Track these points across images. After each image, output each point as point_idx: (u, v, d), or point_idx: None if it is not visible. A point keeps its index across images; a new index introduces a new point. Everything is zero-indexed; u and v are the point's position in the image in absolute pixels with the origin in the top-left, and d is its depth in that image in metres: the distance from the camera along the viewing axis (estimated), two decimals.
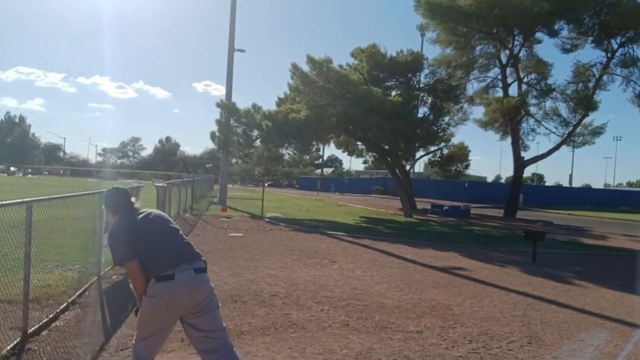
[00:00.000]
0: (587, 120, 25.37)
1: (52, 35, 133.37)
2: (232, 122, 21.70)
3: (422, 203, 27.94)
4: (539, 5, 20.83)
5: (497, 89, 27.59)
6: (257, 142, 22.33)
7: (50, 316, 4.67)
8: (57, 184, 36.51)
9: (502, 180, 74.50)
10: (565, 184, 69.40)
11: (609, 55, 24.11)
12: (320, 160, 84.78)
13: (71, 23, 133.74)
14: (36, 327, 4.32)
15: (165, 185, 12.05)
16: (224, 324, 3.12)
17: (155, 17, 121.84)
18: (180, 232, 3.15)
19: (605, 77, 24.60)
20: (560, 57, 54.25)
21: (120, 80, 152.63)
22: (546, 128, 26.61)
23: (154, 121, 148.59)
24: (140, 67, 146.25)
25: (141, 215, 3.07)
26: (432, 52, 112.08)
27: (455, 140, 33.53)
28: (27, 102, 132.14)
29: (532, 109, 26.67)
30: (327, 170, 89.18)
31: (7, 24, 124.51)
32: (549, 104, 26.33)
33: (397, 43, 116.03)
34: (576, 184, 69.47)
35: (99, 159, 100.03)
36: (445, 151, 32.83)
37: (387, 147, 23.09)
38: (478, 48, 26.42)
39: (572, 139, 26.44)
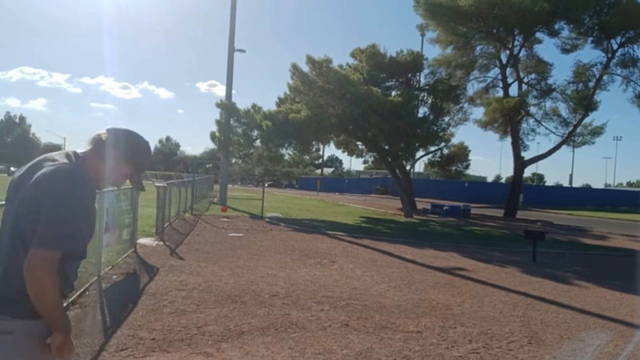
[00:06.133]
0: (587, 120, 25.47)
1: (57, 36, 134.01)
2: (232, 122, 21.70)
3: (422, 203, 27.93)
4: (539, 5, 20.84)
5: (497, 89, 27.63)
6: (257, 142, 22.32)
7: None
8: None
9: (502, 180, 74.61)
10: (565, 184, 69.56)
11: (609, 55, 24.13)
12: (320, 160, 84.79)
13: (76, 24, 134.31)
14: None
15: (165, 185, 12.05)
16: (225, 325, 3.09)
17: (161, 18, 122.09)
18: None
19: (605, 77, 24.64)
20: (560, 57, 54.41)
21: (125, 81, 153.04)
22: (546, 128, 26.70)
23: (157, 121, 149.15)
24: (144, 67, 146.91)
25: None
26: (432, 52, 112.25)
27: (455, 140, 33.65)
28: (31, 102, 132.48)
29: (532, 109, 26.76)
30: (327, 170, 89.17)
31: (12, 24, 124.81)
32: (549, 104, 26.41)
33: (397, 43, 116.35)
34: (576, 184, 69.70)
35: None
36: (445, 151, 32.86)
37: (387, 147, 23.09)
38: (478, 48, 26.43)
39: (572, 139, 26.47)
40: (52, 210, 1.72)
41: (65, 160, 1.84)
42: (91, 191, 1.86)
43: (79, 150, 1.95)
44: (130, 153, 1.98)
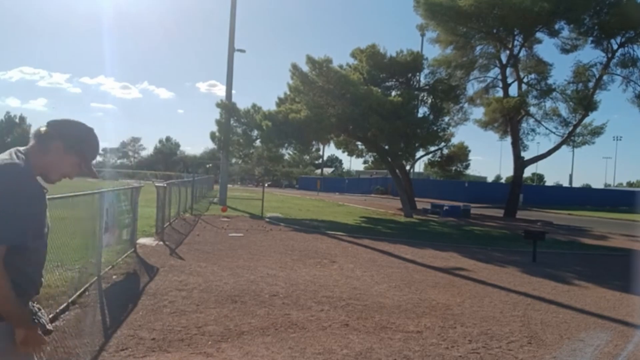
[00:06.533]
0: (587, 120, 25.49)
1: (57, 36, 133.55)
2: (232, 122, 21.71)
3: (422, 203, 27.93)
4: (539, 5, 20.85)
5: (497, 89, 27.65)
6: (257, 142, 22.33)
7: (50, 316, 4.66)
8: (56, 184, 36.45)
9: (502, 180, 74.57)
10: (565, 184, 69.52)
11: (609, 55, 24.15)
12: (320, 160, 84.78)
13: (76, 24, 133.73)
14: None
15: (165, 185, 12.05)
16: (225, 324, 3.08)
17: (161, 18, 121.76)
18: None
19: (605, 77, 24.66)
20: (560, 57, 54.44)
21: (125, 81, 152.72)
22: (546, 128, 26.73)
23: (157, 121, 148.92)
24: (144, 67, 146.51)
25: None
26: (432, 52, 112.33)
27: (455, 140, 33.68)
28: (31, 102, 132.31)
29: (532, 109, 26.79)
30: (327, 170, 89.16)
31: (12, 24, 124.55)
32: (549, 104, 26.43)
33: (397, 43, 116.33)
34: (576, 184, 69.64)
35: (99, 159, 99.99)
36: (445, 151, 32.89)
37: (387, 147, 23.10)
38: (478, 48, 26.45)
39: (572, 139, 26.48)
40: None
41: (6, 157, 1.85)
42: (31, 184, 1.85)
43: (22, 147, 1.95)
44: (72, 142, 1.95)
